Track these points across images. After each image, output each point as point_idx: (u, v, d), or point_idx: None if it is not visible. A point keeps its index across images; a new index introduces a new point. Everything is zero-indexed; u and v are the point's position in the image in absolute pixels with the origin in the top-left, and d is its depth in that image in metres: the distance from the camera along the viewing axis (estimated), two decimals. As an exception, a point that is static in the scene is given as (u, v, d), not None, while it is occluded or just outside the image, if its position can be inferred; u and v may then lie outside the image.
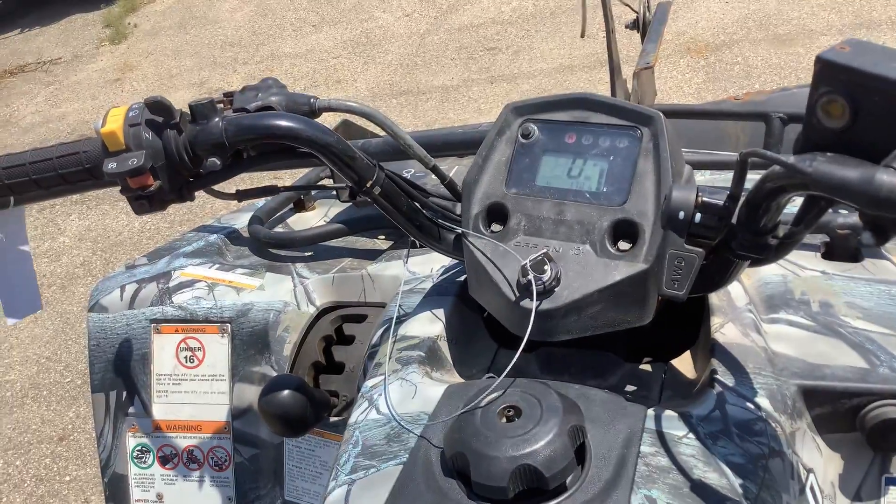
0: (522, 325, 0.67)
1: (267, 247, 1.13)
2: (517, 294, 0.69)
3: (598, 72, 3.78)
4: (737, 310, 0.77)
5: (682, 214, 0.61)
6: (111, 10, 6.00)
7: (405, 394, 0.74)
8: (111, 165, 0.74)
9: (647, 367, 0.79)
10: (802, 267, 0.85)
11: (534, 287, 0.67)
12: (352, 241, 1.12)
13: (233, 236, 1.19)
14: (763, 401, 0.68)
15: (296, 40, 4.93)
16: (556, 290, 0.68)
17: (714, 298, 0.78)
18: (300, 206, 1.24)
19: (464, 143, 1.05)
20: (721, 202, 0.60)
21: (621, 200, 0.70)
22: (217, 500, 1.05)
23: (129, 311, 1.08)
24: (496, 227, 0.74)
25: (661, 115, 0.71)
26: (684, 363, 0.79)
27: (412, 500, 0.62)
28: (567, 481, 0.60)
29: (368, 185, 0.77)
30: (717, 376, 0.70)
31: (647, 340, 0.83)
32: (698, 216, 0.60)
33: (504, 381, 0.66)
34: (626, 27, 1.47)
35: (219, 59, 4.97)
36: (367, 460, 0.68)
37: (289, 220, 1.21)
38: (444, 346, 0.81)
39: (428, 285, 0.90)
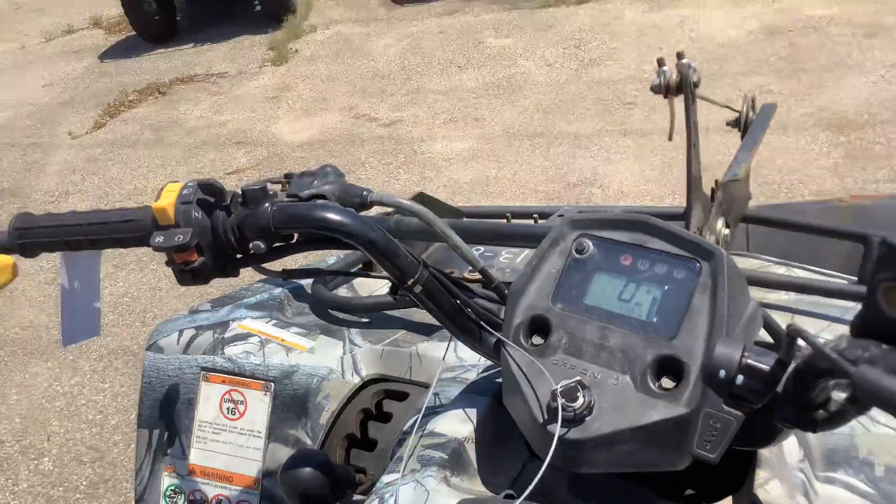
0: (546, 449, 0.64)
1: (326, 308, 1.14)
2: (545, 416, 0.66)
3: (735, 135, 3.82)
4: (786, 466, 0.71)
5: (723, 374, 0.55)
6: (276, 35, 6.49)
7: (416, 500, 0.71)
8: (158, 239, 0.75)
9: None
10: (875, 421, 0.77)
11: (559, 415, 0.64)
12: (411, 313, 1.10)
13: (296, 292, 1.19)
14: None
15: (441, 78, 5.19)
16: (587, 419, 0.65)
17: (763, 450, 0.72)
18: (368, 267, 1.21)
19: (516, 237, 1.02)
20: (767, 367, 0.54)
21: (670, 335, 0.65)
22: None
23: (183, 355, 1.10)
24: (537, 340, 0.71)
25: (724, 252, 0.67)
26: None
27: None
28: None
29: (410, 282, 0.75)
30: None
31: (690, 477, 0.77)
32: (740, 378, 0.55)
33: None
34: (728, 124, 1.41)
35: (368, 88, 5.29)
36: None
37: (354, 282, 1.21)
38: (470, 450, 0.77)
39: (471, 375, 0.87)
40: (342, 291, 1.18)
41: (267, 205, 0.75)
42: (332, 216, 0.73)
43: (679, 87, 0.81)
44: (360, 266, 1.25)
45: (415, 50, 5.73)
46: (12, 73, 7.10)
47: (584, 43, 5.24)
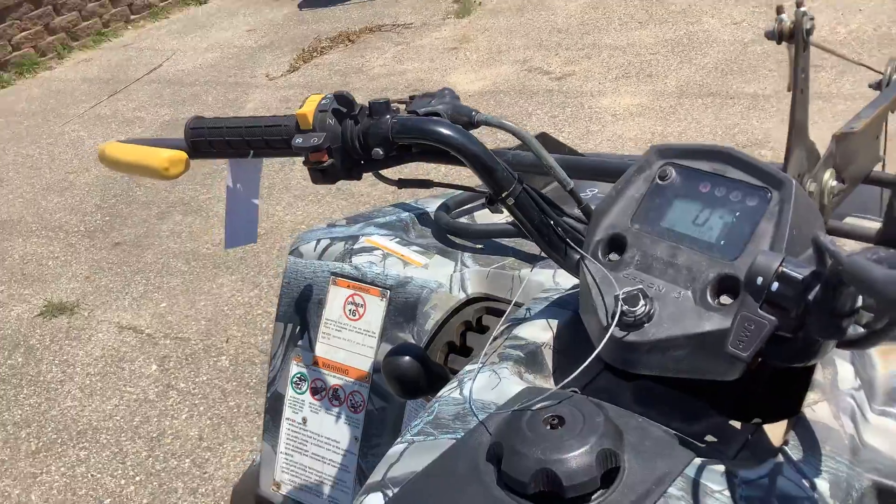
0: (608, 349, 0.72)
1: (445, 233, 1.24)
2: (609, 321, 0.73)
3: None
4: (838, 392, 0.74)
5: (760, 280, 0.60)
6: (462, -12, 6.63)
7: (488, 384, 0.81)
8: (298, 140, 0.89)
9: (737, 425, 0.78)
10: None
11: (617, 315, 0.71)
12: (521, 243, 1.18)
13: (422, 217, 1.31)
14: (822, 483, 0.65)
15: (619, 34, 5.13)
16: (645, 325, 0.71)
17: (818, 374, 0.75)
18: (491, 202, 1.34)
19: (606, 172, 1.06)
20: (801, 276, 0.58)
21: (733, 256, 0.70)
22: (346, 436, 1.18)
23: (318, 261, 1.23)
24: (613, 257, 0.78)
25: (794, 182, 0.71)
26: (778, 430, 0.76)
27: (449, 469, 0.70)
28: (593, 499, 0.64)
29: (504, 194, 0.84)
30: (786, 448, 0.68)
31: (759, 400, 0.81)
32: (776, 285, 0.59)
33: (564, 393, 0.71)
34: (870, 86, 1.38)
35: (545, 42, 5.33)
36: (432, 429, 0.77)
37: (476, 214, 1.30)
38: (547, 354, 0.85)
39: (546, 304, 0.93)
40: (462, 220, 1.28)
41: (388, 117, 0.87)
42: (442, 130, 0.83)
43: (792, 35, 0.84)
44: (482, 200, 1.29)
45: (596, 5, 5.68)
46: (223, 17, 7.73)
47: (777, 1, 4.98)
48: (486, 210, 1.29)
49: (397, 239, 1.24)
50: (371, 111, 0.88)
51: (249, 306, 3.39)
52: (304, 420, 1.23)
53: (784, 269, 0.59)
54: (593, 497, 0.64)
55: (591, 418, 0.67)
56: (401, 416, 1.14)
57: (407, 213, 1.32)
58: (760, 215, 0.71)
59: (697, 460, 0.67)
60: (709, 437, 0.76)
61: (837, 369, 0.76)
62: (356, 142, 0.88)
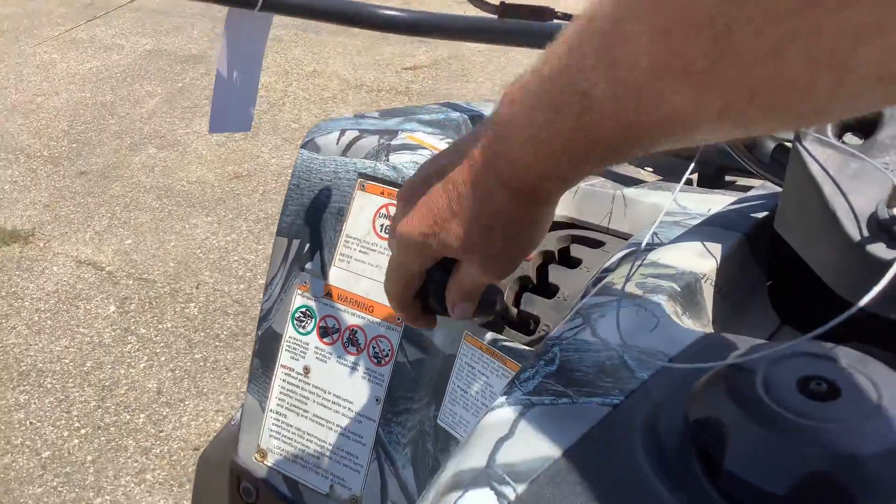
0: (861, 282, 0.46)
1: None
2: (865, 234, 0.48)
3: None
4: None
5: None
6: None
7: (642, 324, 0.54)
8: None
9: None
10: None
11: None
12: None
13: (477, 120, 1.05)
14: None
15: None
16: None
17: None
18: None
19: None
20: None
21: None
22: (363, 396, 0.91)
23: (341, 157, 0.96)
24: (852, 139, 0.54)
25: None
26: None
27: (611, 461, 0.43)
28: None
29: None
30: None
31: None
32: None
33: (808, 344, 0.41)
34: None
35: None
36: (561, 386, 0.50)
37: None
38: (707, 292, 0.60)
39: (696, 223, 0.69)
40: None
41: None
42: None
43: None
44: None
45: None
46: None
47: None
48: None
49: (448, 140, 0.97)
50: None
51: (225, 251, 3.06)
52: (307, 370, 0.94)
53: None
54: None
55: (888, 381, 0.39)
56: (446, 373, 0.85)
57: (458, 114, 1.03)
58: None
59: None
60: None
61: None
62: None
